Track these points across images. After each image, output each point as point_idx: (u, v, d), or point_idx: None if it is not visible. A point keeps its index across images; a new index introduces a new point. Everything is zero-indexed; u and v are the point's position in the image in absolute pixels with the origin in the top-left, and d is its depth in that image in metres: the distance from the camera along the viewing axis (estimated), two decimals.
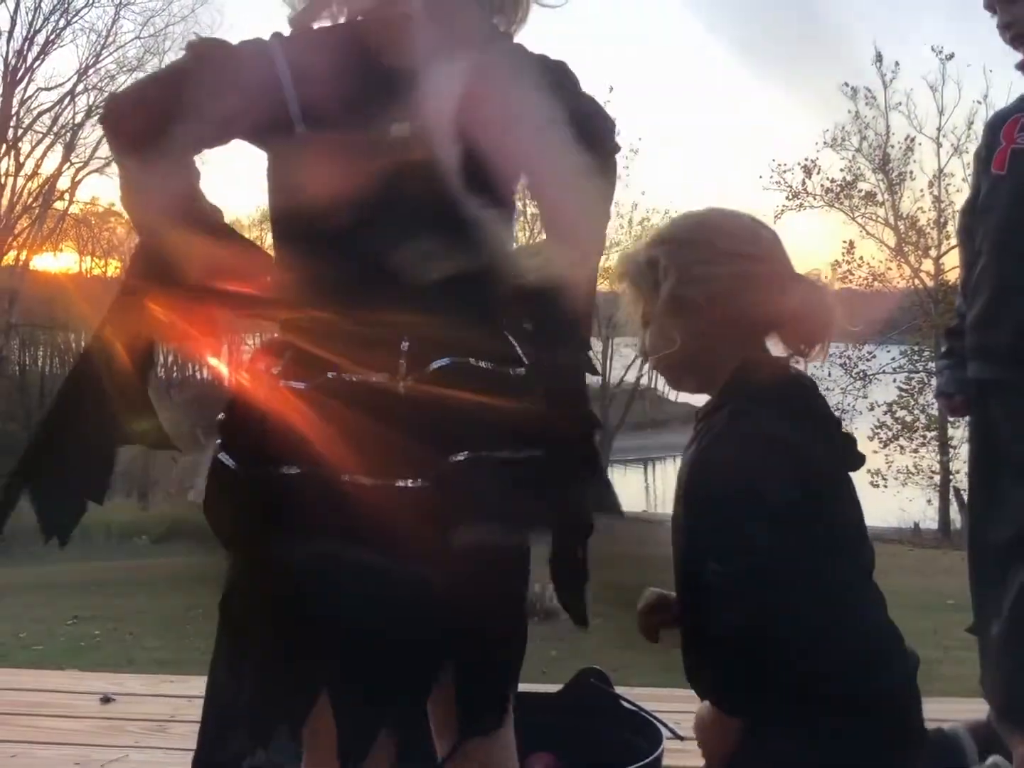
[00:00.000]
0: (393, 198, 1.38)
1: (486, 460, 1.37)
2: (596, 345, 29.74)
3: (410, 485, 1.34)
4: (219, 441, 1.45)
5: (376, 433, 1.35)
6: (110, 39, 23.56)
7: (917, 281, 21.12)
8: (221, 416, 1.47)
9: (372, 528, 1.32)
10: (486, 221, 1.41)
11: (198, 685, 3.40)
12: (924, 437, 20.28)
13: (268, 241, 1.56)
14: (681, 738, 2.21)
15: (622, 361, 30.81)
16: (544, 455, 1.43)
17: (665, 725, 2.11)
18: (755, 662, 1.49)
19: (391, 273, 1.37)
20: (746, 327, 1.61)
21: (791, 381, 1.62)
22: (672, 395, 41.69)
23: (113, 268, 27.71)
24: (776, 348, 1.64)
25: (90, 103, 23.75)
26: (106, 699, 3.19)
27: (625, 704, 2.21)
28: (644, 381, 34.24)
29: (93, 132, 24.07)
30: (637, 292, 1.65)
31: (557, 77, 1.50)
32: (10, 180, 23.43)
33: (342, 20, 1.51)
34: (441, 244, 1.39)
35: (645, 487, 35.18)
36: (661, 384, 39.74)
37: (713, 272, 1.59)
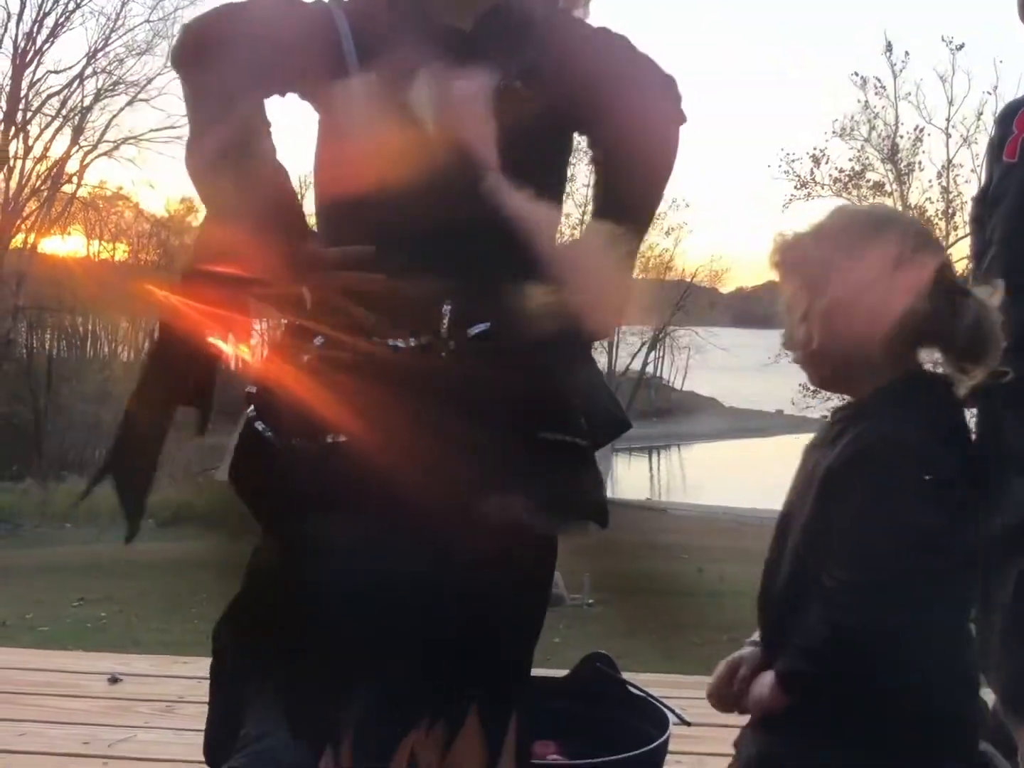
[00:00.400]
0: (441, 158, 1.35)
1: (528, 435, 1.37)
2: None
3: (450, 455, 1.34)
4: (252, 412, 1.43)
5: (418, 401, 1.34)
6: (119, 22, 23.64)
7: None
8: (252, 389, 1.44)
9: (414, 499, 1.31)
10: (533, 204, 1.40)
11: (207, 667, 3.41)
12: None
13: None
14: (688, 724, 2.21)
15: (628, 349, 30.83)
16: (576, 441, 1.44)
17: (672, 711, 2.12)
18: (840, 669, 1.49)
19: (432, 236, 1.36)
20: (909, 337, 1.57)
21: (950, 404, 1.59)
22: (677, 384, 41.64)
23: (121, 252, 27.73)
24: (928, 360, 1.61)
25: (99, 86, 23.84)
26: (114, 679, 3.20)
27: (632, 689, 2.22)
28: (650, 369, 34.24)
29: (102, 115, 24.10)
30: (800, 286, 1.61)
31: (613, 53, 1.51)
32: (19, 163, 23.50)
33: None
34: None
35: (649, 475, 35.18)
36: (666, 373, 39.77)
37: (886, 279, 1.55)
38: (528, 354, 1.39)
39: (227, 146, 1.38)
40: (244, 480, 1.44)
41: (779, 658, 1.58)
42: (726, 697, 1.66)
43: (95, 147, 24.22)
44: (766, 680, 1.60)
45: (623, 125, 1.48)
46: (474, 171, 1.37)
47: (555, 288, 1.39)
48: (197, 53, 1.40)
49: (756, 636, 1.71)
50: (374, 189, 1.34)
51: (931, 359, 1.61)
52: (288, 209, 1.42)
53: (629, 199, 1.52)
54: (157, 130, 23.72)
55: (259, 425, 1.41)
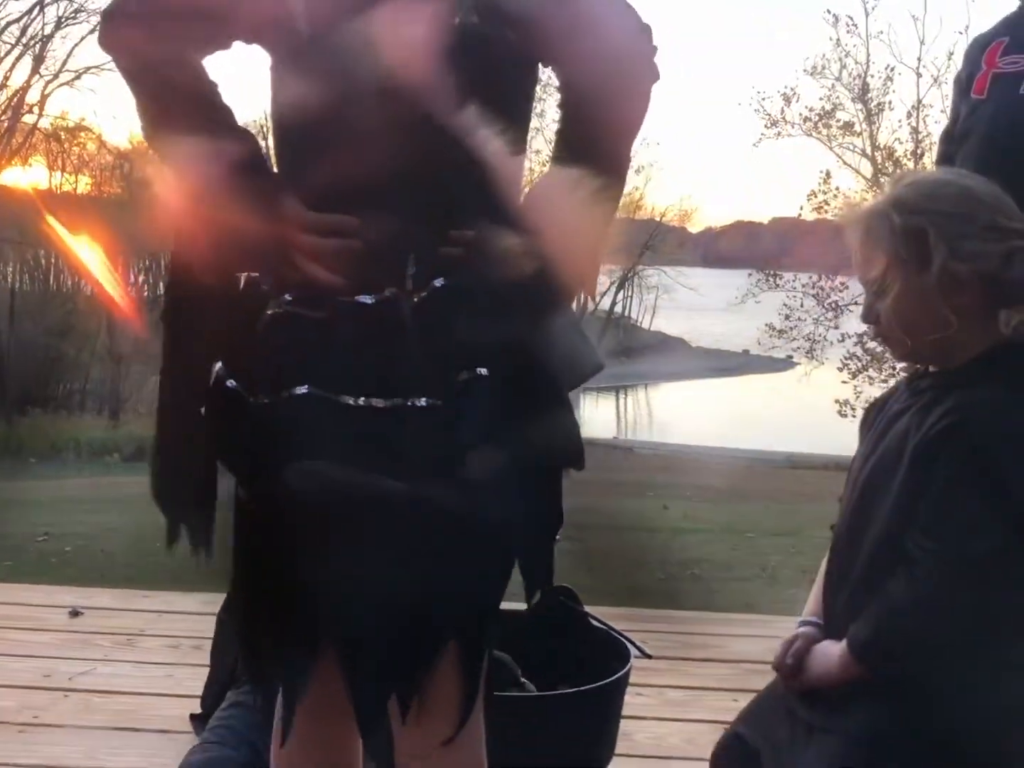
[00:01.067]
0: (399, 107, 1.32)
1: (497, 378, 1.35)
2: None
3: (423, 404, 1.33)
4: (220, 369, 1.42)
5: (387, 353, 1.34)
6: None
7: None
8: (223, 341, 1.43)
9: (386, 450, 1.31)
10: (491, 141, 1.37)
11: (168, 600, 3.43)
12: (893, 368, 20.37)
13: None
14: (649, 656, 2.23)
15: (597, 288, 30.73)
16: (549, 386, 1.42)
17: (633, 643, 2.13)
18: (918, 642, 1.50)
19: (392, 182, 1.34)
20: (997, 303, 1.56)
21: None
22: (646, 323, 41.73)
23: (84, 184, 27.32)
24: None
25: (60, 14, 23.21)
26: (75, 613, 3.20)
27: (594, 622, 2.23)
28: (618, 309, 34.27)
29: (63, 44, 23.67)
30: (880, 258, 1.58)
31: None
32: None
33: None
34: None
35: (616, 414, 35.34)
36: (635, 312, 39.78)
37: (985, 249, 1.54)
38: (497, 301, 1.36)
39: (184, 122, 1.35)
40: (215, 436, 1.43)
41: (853, 627, 1.57)
42: (787, 670, 1.65)
43: (56, 76, 23.71)
44: (833, 651, 1.60)
45: (588, 69, 1.42)
46: (433, 114, 1.33)
47: (523, 234, 1.36)
48: (122, 33, 1.36)
49: (808, 616, 1.71)
50: (333, 135, 1.32)
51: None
52: (259, 173, 1.39)
53: (595, 143, 1.45)
54: None
55: (229, 382, 1.39)
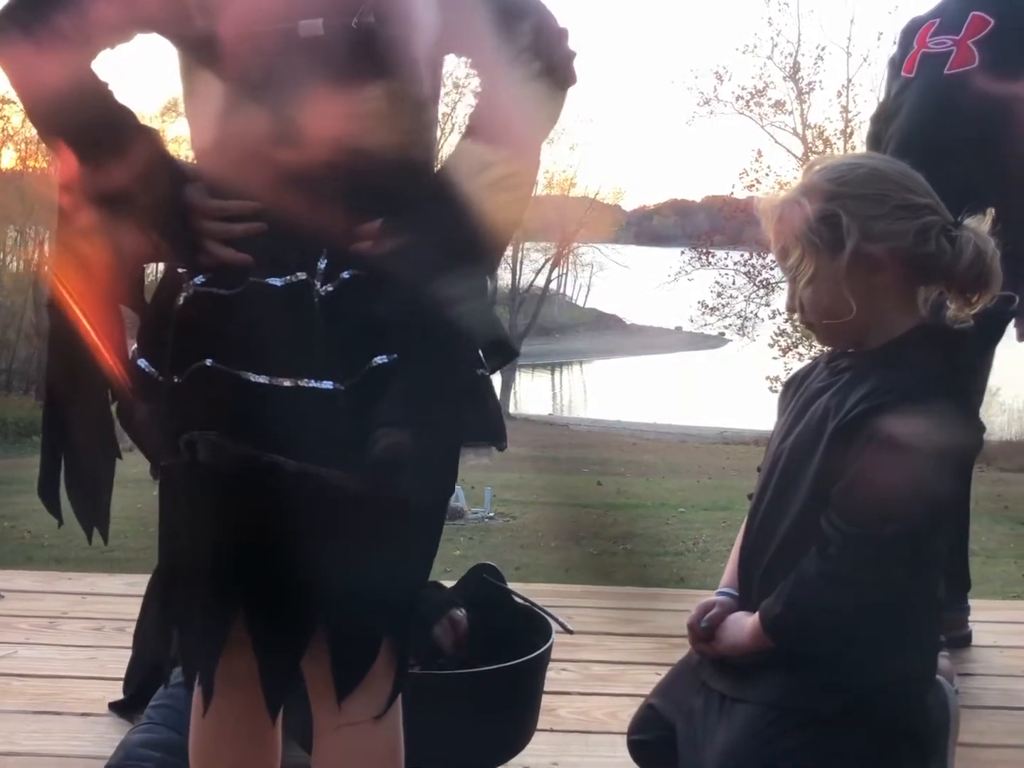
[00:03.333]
0: (302, 102, 1.31)
1: (405, 365, 1.34)
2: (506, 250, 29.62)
3: (327, 387, 1.32)
4: (135, 348, 1.42)
5: (294, 335, 1.33)
6: None
7: None
8: (140, 325, 1.43)
9: (291, 430, 1.30)
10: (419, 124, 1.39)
11: (92, 582, 3.38)
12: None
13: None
14: (571, 632, 2.24)
15: (531, 266, 30.82)
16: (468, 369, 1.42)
17: (556, 619, 2.14)
18: (825, 616, 1.53)
19: (306, 178, 1.33)
20: (919, 282, 1.58)
21: (961, 362, 1.63)
22: (580, 301, 41.93)
23: (11, 160, 26.76)
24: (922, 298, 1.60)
25: None
26: None
27: (517, 599, 2.23)
28: (553, 286, 34.36)
29: None
30: (796, 246, 1.59)
31: None
32: None
33: None
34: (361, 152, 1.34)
35: (552, 391, 35.48)
36: (569, 290, 39.95)
37: (898, 228, 1.55)
38: (411, 286, 1.35)
39: (80, 128, 1.34)
40: (129, 417, 1.43)
41: (766, 601, 1.59)
42: (700, 633, 1.67)
43: None
44: (745, 622, 1.62)
45: (500, 77, 1.40)
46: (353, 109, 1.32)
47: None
48: (10, 45, 1.33)
49: (724, 588, 1.73)
50: (251, 128, 1.32)
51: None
52: (162, 167, 1.38)
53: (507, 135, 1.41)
54: None
55: (141, 363, 1.39)
